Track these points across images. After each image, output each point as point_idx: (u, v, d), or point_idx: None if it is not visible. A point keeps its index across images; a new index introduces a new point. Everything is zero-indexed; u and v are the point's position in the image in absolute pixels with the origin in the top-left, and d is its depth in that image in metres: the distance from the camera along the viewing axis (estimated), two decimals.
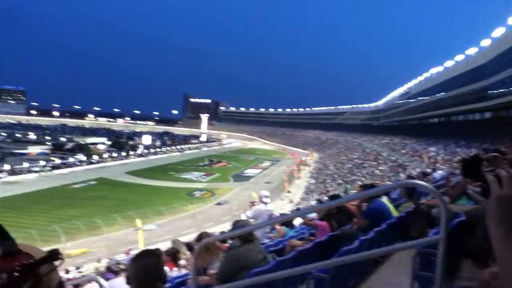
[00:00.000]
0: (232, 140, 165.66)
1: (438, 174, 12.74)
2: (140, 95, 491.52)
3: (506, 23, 37.99)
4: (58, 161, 77.10)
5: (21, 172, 66.11)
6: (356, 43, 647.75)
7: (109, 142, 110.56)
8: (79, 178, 65.55)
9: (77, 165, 77.93)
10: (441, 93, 56.67)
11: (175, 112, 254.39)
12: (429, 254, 3.06)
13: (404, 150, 56.37)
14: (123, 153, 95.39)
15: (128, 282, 3.03)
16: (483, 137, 35.67)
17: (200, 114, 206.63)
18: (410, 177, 17.72)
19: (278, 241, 6.86)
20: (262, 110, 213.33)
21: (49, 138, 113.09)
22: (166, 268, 5.44)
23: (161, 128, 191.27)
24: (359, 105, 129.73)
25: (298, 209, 23.51)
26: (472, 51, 46.67)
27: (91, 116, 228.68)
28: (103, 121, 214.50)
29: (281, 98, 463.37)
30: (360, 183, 35.50)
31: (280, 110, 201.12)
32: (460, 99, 48.57)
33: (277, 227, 8.17)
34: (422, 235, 3.72)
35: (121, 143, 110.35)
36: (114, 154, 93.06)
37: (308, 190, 58.34)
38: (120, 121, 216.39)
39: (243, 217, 8.72)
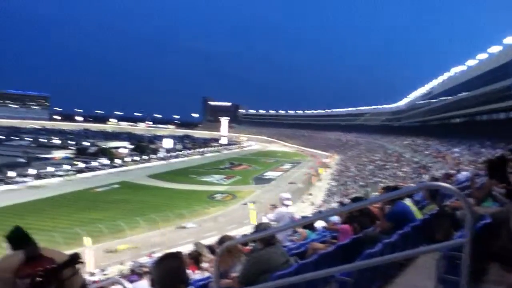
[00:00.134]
0: (252, 142, 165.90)
1: (463, 175, 12.48)
2: (161, 99, 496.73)
3: None
4: (81, 165, 78.53)
5: (46, 176, 67.51)
6: (376, 43, 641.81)
7: (131, 146, 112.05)
8: (102, 182, 66.64)
9: (100, 169, 79.26)
10: (464, 93, 55.60)
11: (195, 115, 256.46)
12: (454, 257, 3.01)
13: (427, 151, 55.48)
14: (145, 157, 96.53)
15: (152, 285, 3.08)
16: (509, 137, 34.77)
17: (220, 117, 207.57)
18: (433, 178, 17.45)
19: (300, 244, 6.83)
20: (282, 112, 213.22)
21: (73, 142, 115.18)
22: (188, 271, 5.48)
23: (182, 132, 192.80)
24: (380, 106, 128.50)
25: (319, 212, 23.40)
26: (495, 49, 45.65)
27: (113, 120, 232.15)
28: (125, 125, 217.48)
29: (300, 100, 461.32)
30: (382, 185, 35.14)
31: (299, 112, 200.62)
32: (483, 99, 47.51)
33: (299, 229, 8.14)
34: (447, 238, 3.66)
35: (143, 146, 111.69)
36: (136, 158, 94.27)
37: (330, 192, 57.95)
38: (141, 125, 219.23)
39: (265, 219, 8.72)
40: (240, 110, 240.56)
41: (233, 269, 4.50)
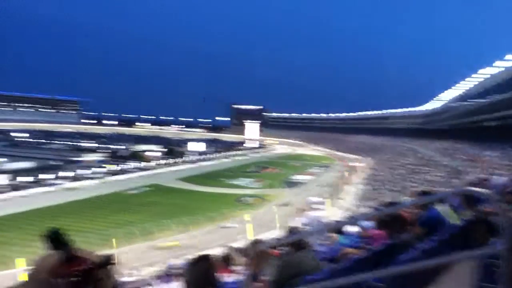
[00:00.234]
0: (280, 146, 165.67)
1: (498, 180, 12.13)
2: (191, 103, 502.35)
3: None
4: (113, 168, 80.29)
5: (79, 178, 69.36)
6: (404, 45, 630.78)
7: (161, 149, 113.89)
8: (134, 185, 67.95)
9: (131, 172, 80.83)
10: (497, 95, 54.01)
11: (223, 119, 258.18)
12: (491, 264, 2.95)
13: (459, 155, 54.19)
14: (175, 160, 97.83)
15: (184, 287, 3.14)
16: None
17: (248, 121, 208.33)
18: (467, 183, 17.02)
19: (331, 248, 6.80)
20: (310, 115, 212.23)
21: (105, 145, 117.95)
22: (219, 274, 5.53)
23: (211, 135, 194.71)
24: (410, 109, 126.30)
25: (350, 216, 23.17)
26: None
27: (144, 124, 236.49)
28: (155, 129, 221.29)
29: (329, 103, 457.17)
30: (413, 189, 34.48)
31: (328, 115, 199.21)
32: None
33: (330, 234, 8.09)
34: (483, 244, 3.58)
35: (173, 150, 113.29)
36: (166, 161, 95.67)
37: (360, 196, 57.26)
38: (171, 128, 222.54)
39: (296, 223, 8.73)
40: (267, 114, 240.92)
41: (263, 272, 4.52)
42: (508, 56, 52.06)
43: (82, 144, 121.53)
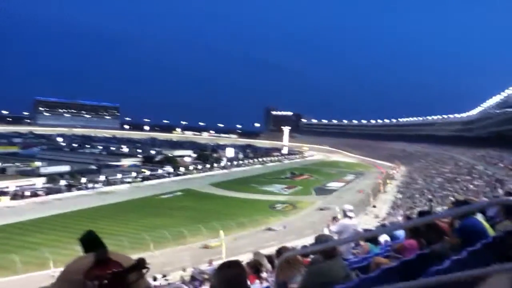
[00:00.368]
0: (314, 152, 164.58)
1: None
2: (224, 109, 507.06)
3: None
4: (148, 172, 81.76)
5: (114, 182, 70.94)
6: (445, 49, 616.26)
7: (195, 155, 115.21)
8: (167, 189, 68.88)
9: (165, 177, 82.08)
10: None
11: (257, 125, 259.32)
12: None
13: (502, 164, 52.20)
14: (208, 165, 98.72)
15: None
16: None
17: (282, 127, 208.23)
18: (509, 193, 16.34)
19: (362, 257, 6.64)
20: (345, 122, 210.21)
21: (140, 151, 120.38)
22: (248, 280, 5.49)
23: (244, 141, 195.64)
24: (450, 115, 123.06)
25: (384, 225, 22.66)
26: None
27: (178, 130, 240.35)
28: (189, 135, 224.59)
29: (365, 109, 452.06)
30: (452, 198, 33.47)
31: (364, 121, 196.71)
32: None
33: (361, 243, 7.91)
34: None
35: (206, 155, 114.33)
36: (199, 166, 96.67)
37: (395, 205, 56.01)
38: (205, 134, 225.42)
39: (326, 231, 8.58)
40: (302, 120, 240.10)
41: (292, 280, 4.45)
42: None
43: (119, 149, 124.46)
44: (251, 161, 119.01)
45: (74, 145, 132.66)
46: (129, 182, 72.63)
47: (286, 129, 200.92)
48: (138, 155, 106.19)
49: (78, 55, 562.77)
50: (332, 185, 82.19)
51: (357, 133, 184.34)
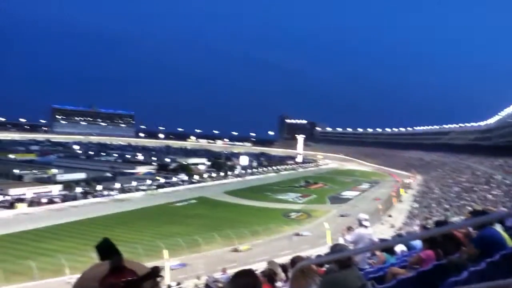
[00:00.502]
0: (329, 161, 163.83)
1: None
2: (238, 117, 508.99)
3: None
4: (162, 180, 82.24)
5: (129, 190, 71.45)
6: (463, 56, 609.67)
7: (209, 163, 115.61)
8: (181, 197, 69.16)
9: (179, 184, 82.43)
10: None
11: (271, 133, 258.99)
12: None
13: None
14: (222, 173, 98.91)
15: None
16: None
17: (296, 135, 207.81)
18: None
19: (378, 267, 6.56)
20: (360, 130, 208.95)
21: (155, 158, 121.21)
22: None
23: (258, 149, 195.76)
24: (467, 124, 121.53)
25: (400, 235, 22.40)
26: None
27: (192, 137, 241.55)
28: (203, 143, 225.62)
29: (380, 117, 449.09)
30: (469, 208, 32.91)
31: (379, 130, 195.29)
32: None
33: (377, 253, 7.82)
34: None
35: (220, 163, 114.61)
36: (213, 174, 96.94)
37: (411, 214, 55.29)
38: (219, 142, 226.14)
39: (341, 241, 8.50)
40: (317, 128, 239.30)
41: None
42: None
43: (134, 157, 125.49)
44: (265, 169, 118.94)
45: (90, 152, 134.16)
46: (143, 190, 73.13)
47: (300, 138, 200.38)
48: (153, 163, 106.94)
49: (95, 63, 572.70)
50: (347, 193, 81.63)
51: (372, 142, 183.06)
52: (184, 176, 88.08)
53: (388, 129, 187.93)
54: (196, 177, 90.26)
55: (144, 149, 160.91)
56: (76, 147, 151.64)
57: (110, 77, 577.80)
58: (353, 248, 6.45)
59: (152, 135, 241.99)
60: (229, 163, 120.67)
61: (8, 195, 56.68)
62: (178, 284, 27.83)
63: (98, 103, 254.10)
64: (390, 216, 56.37)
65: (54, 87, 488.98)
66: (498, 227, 5.23)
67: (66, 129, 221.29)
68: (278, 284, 6.36)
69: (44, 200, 58.52)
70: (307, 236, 45.88)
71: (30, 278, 29.45)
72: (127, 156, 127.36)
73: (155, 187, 76.67)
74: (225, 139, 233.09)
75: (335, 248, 4.85)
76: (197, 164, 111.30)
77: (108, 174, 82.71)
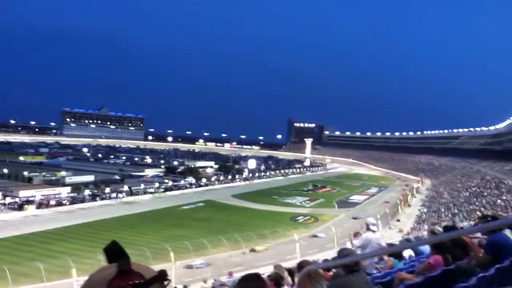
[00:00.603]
0: (337, 164, 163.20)
1: None
2: (246, 120, 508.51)
3: None
4: (170, 183, 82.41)
5: (138, 193, 71.71)
6: (473, 59, 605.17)
7: (217, 166, 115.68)
8: (189, 200, 69.23)
9: (187, 188, 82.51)
10: None
11: (279, 136, 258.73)
12: None
13: None
14: (229, 177, 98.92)
15: None
16: None
17: (304, 139, 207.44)
18: None
19: (386, 272, 6.50)
20: (369, 134, 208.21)
21: (163, 161, 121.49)
22: None
23: (266, 153, 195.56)
24: (477, 128, 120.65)
25: (408, 240, 22.21)
26: None
27: (201, 141, 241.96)
28: (211, 146, 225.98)
29: (389, 121, 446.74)
30: (478, 213, 32.64)
31: (388, 134, 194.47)
32: None
33: (385, 257, 7.75)
34: None
35: (228, 167, 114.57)
36: (221, 177, 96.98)
37: (420, 219, 54.91)
38: (227, 145, 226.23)
39: (348, 245, 8.45)
40: (325, 132, 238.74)
41: None
42: None
43: (143, 160, 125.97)
44: (273, 172, 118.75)
45: (99, 155, 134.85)
46: (151, 193, 73.32)
47: (308, 141, 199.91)
48: (161, 166, 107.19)
49: (104, 67, 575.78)
50: (355, 198, 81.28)
51: (381, 146, 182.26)
52: (192, 179, 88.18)
53: (397, 133, 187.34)
54: (203, 180, 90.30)
55: (152, 152, 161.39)
56: (85, 149, 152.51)
57: (120, 81, 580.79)
58: (360, 253, 6.40)
59: (160, 138, 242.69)
60: (237, 166, 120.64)
61: (17, 197, 57.08)
62: (185, 287, 27.78)
63: (108, 106, 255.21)
64: (398, 220, 56.07)
65: (64, 90, 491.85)
66: (508, 233, 5.16)
67: (75, 132, 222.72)
68: None
69: (52, 202, 58.93)
70: (322, 237, 46.76)
71: (38, 280, 29.63)
72: (136, 158, 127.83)
73: (163, 190, 76.83)
74: (233, 143, 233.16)
75: (343, 253, 4.81)
76: (205, 167, 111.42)
77: (117, 177, 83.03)
